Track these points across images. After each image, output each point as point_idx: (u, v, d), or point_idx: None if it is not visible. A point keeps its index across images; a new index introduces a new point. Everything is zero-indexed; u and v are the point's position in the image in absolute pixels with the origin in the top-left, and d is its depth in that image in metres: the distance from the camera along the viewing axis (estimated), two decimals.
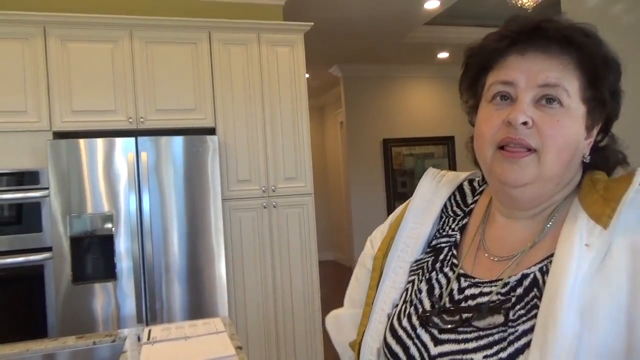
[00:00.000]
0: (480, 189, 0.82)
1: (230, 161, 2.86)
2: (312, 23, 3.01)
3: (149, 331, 1.74)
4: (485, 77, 0.71)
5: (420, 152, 6.44)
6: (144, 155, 2.56)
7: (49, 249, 2.48)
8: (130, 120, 2.68)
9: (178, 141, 2.64)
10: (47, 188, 2.48)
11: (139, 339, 1.69)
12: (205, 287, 2.66)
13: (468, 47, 0.74)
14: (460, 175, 0.85)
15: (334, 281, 6.46)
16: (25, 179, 2.48)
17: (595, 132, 0.69)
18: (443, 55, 5.75)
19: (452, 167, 6.49)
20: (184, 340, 1.61)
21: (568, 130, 0.64)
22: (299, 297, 2.95)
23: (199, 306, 2.65)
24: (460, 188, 0.84)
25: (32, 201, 2.49)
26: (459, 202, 0.83)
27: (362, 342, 0.77)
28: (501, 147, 0.66)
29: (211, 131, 2.88)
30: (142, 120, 2.70)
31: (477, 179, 0.84)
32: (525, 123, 0.64)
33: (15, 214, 2.48)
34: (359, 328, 0.80)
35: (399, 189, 6.31)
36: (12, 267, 2.46)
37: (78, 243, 2.49)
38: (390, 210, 6.23)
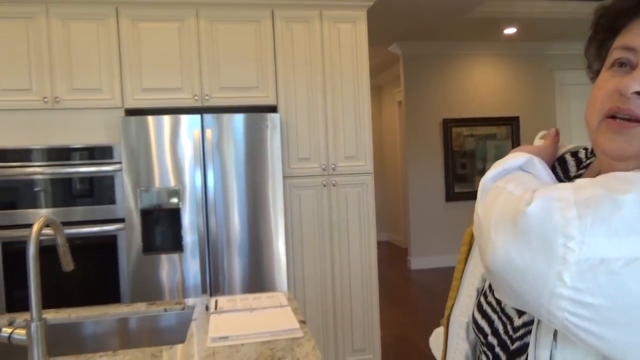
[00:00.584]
0: (587, 162, 0.76)
1: (291, 139, 2.87)
2: None
3: (216, 301, 1.81)
4: (613, 40, 0.65)
5: (481, 133, 6.21)
6: (208, 132, 2.62)
7: (121, 220, 2.62)
8: (196, 97, 2.75)
9: (241, 119, 2.68)
10: (120, 162, 2.60)
11: (206, 308, 1.75)
12: (265, 263, 2.73)
13: (599, 6, 0.67)
14: (560, 148, 0.80)
15: (388, 262, 6.43)
16: (100, 153, 2.62)
17: None
18: (510, 31, 5.46)
19: None
20: (250, 311, 1.66)
21: None
22: (357, 277, 2.96)
23: (258, 280, 2.72)
24: (561, 160, 0.79)
25: (106, 175, 2.63)
26: (560, 174, 0.77)
27: (451, 316, 0.77)
28: (610, 117, 0.61)
29: (273, 109, 2.91)
30: (207, 97, 2.76)
31: (582, 151, 0.78)
32: (639, 93, 0.58)
33: (92, 187, 2.63)
34: (447, 302, 0.80)
35: (458, 170, 6.14)
36: (88, 236, 2.62)
37: (148, 215, 2.61)
38: (448, 192, 6.08)
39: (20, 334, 1.26)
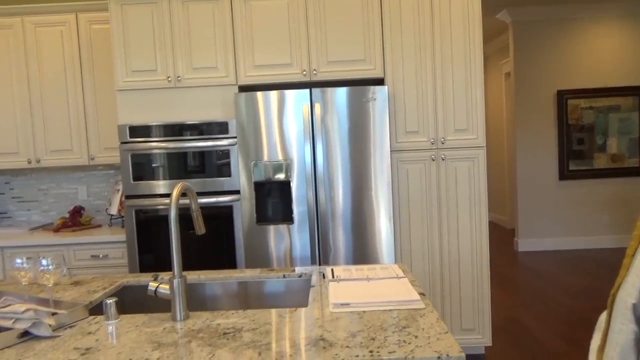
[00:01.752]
0: None
1: (399, 112, 2.81)
2: None
3: (332, 270, 1.84)
4: None
5: (602, 104, 5.63)
6: (317, 107, 2.65)
7: (237, 192, 2.77)
8: (304, 72, 2.78)
9: (348, 92, 2.67)
10: (235, 137, 2.73)
11: (323, 276, 1.79)
12: (371, 237, 2.72)
13: None
14: None
15: (492, 243, 6.14)
16: (217, 129, 2.77)
17: None
18: None
19: None
20: (367, 281, 1.67)
21: None
22: (466, 255, 2.86)
23: (364, 254, 2.73)
24: None
25: (222, 149, 2.78)
26: None
27: (617, 294, 0.70)
28: None
29: (380, 81, 2.86)
30: (314, 72, 2.78)
31: None
32: None
33: (210, 161, 2.80)
34: (616, 279, 0.73)
35: (574, 146, 5.64)
36: (206, 206, 2.80)
37: (260, 188, 2.72)
38: (562, 170, 5.62)
39: (164, 288, 1.37)
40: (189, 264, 2.79)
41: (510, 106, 6.11)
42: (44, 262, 1.38)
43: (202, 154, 2.79)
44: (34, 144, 3.18)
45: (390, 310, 1.40)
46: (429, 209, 2.85)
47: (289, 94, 2.67)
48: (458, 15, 2.77)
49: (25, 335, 1.24)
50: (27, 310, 1.22)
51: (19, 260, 1.39)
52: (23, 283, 1.41)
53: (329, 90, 2.67)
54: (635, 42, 5.54)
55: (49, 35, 3.14)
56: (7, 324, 1.21)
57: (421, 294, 1.52)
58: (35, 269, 1.39)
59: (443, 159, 2.83)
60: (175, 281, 1.35)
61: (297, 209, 2.72)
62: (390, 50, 2.79)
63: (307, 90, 2.67)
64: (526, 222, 5.67)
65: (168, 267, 2.81)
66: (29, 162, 3.18)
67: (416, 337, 1.19)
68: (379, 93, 2.67)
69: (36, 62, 3.15)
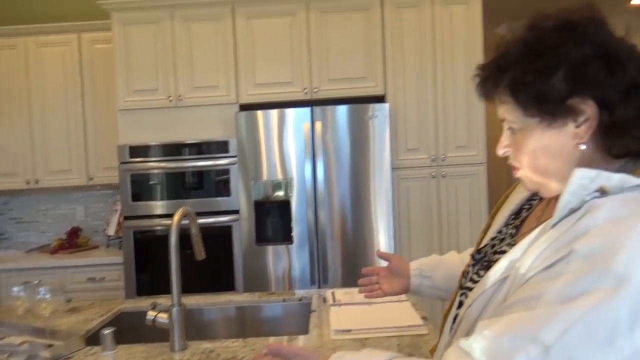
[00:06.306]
0: None
1: (400, 129, 2.80)
2: None
3: (333, 294, 1.81)
4: None
5: None
6: (318, 125, 2.65)
7: (236, 212, 2.74)
8: (306, 90, 2.78)
9: (350, 110, 2.67)
10: (235, 156, 2.72)
11: (324, 300, 1.76)
12: (370, 256, 2.69)
13: None
14: None
15: None
16: (217, 148, 2.76)
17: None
18: None
19: None
20: (368, 305, 1.63)
21: None
22: None
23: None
24: None
25: (222, 168, 2.76)
26: None
27: None
28: None
29: (381, 99, 2.85)
30: (316, 90, 2.78)
31: None
32: None
33: (209, 180, 2.78)
34: None
35: None
36: (205, 226, 2.75)
37: (260, 207, 2.70)
38: None
39: (163, 317, 1.35)
40: (186, 286, 2.72)
41: None
42: (42, 290, 1.36)
43: (201, 174, 2.78)
44: (33, 164, 3.15)
45: (393, 336, 1.37)
46: (429, 227, 2.82)
47: (290, 112, 2.67)
48: (459, 33, 2.78)
49: None
50: (22, 342, 1.20)
51: (15, 289, 1.37)
52: (19, 312, 1.38)
53: (330, 108, 2.67)
54: None
55: (51, 56, 3.13)
56: (2, 358, 1.18)
57: (424, 317, 1.49)
58: (32, 298, 1.36)
59: (443, 176, 2.81)
60: (174, 310, 1.33)
61: (296, 229, 2.69)
62: (392, 67, 2.79)
63: (308, 109, 2.66)
64: None
65: (165, 289, 2.75)
66: (28, 183, 3.16)
67: None
68: (380, 110, 2.66)
69: (38, 82, 3.13)
